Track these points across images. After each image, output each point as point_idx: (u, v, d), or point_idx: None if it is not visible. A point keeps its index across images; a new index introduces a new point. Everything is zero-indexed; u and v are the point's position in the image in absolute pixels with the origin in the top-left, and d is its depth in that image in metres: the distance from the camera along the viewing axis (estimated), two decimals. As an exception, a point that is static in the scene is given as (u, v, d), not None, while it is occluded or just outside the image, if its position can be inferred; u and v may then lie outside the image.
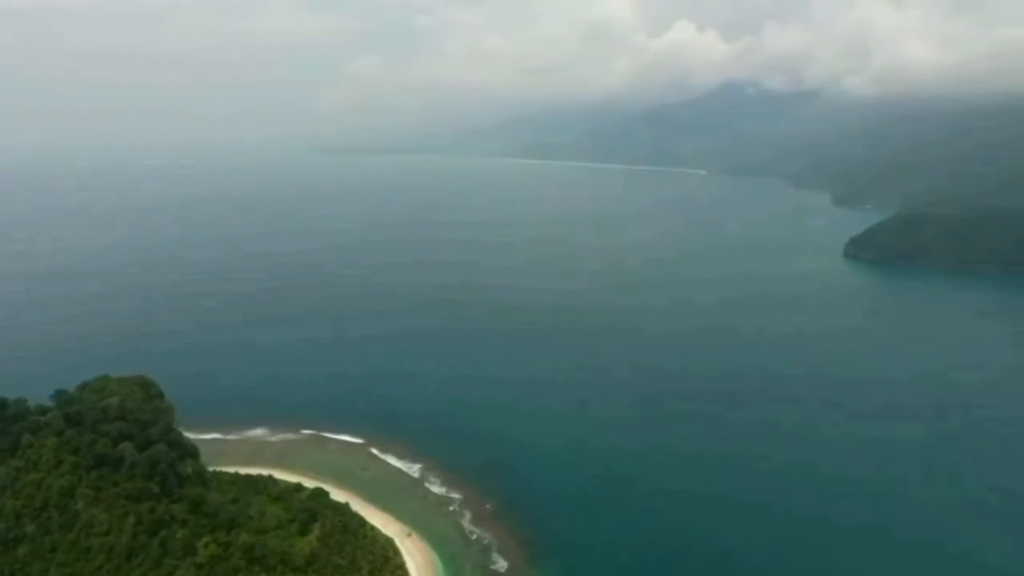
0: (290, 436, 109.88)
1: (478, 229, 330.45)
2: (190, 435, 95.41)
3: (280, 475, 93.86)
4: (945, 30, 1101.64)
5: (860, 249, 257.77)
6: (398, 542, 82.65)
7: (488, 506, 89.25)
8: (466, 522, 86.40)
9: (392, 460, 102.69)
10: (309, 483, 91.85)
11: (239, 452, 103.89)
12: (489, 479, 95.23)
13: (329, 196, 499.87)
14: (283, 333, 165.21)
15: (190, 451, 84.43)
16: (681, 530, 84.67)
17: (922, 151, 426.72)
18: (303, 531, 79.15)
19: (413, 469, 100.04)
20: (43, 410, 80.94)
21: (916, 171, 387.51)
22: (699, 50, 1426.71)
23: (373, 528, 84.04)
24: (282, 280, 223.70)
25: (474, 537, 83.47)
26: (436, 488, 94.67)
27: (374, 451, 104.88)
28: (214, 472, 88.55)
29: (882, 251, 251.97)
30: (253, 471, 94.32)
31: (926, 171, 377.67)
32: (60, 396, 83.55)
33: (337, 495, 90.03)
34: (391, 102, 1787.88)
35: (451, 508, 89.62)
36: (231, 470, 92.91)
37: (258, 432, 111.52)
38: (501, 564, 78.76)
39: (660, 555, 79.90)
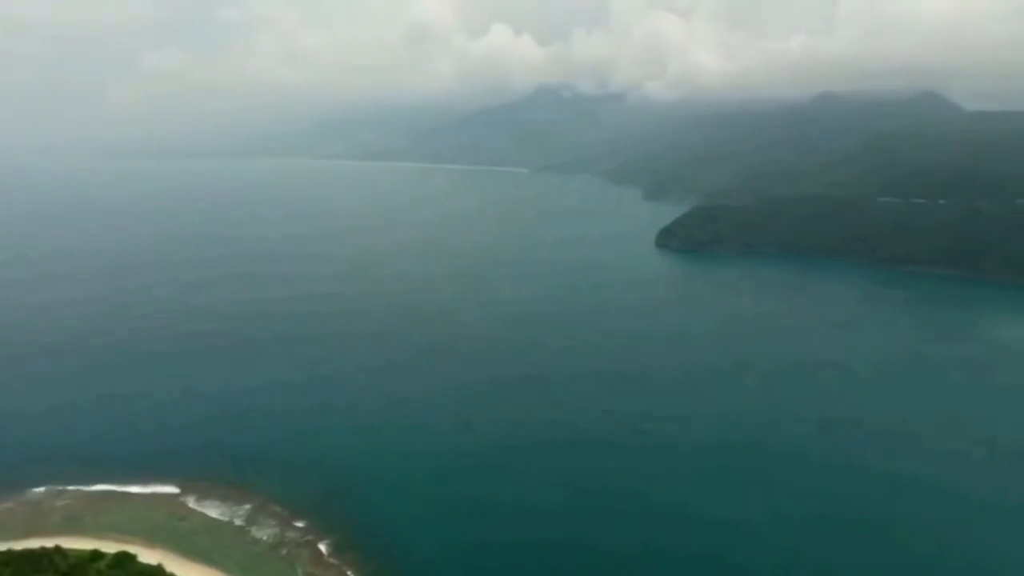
0: (81, 494, 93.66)
1: (300, 241, 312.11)
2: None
3: (71, 543, 79.36)
4: (725, 42, 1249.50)
5: (669, 239, 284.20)
6: (225, 599, 73.88)
7: (327, 543, 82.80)
8: (303, 564, 79.16)
9: (214, 505, 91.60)
10: (110, 548, 78.84)
11: (13, 522, 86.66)
12: (327, 511, 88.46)
13: (119, 206, 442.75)
14: (53, 364, 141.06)
15: (-60, 535, 68.49)
16: (546, 548, 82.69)
17: (714, 149, 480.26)
18: (103, 609, 67.56)
19: (240, 512, 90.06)
20: None
21: (710, 167, 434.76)
22: (517, 54, 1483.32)
23: (194, 589, 74.28)
24: (49, 304, 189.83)
25: (313, 579, 77.01)
26: (268, 530, 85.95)
27: (191, 498, 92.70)
28: (-22, 555, 72.69)
29: (687, 240, 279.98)
30: (34, 543, 78.80)
31: (718, 167, 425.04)
32: None
33: (148, 556, 78.26)
34: (200, 101, 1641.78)
35: (285, 551, 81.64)
36: (3, 547, 76.89)
37: (38, 493, 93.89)
38: (345, 604, 73.49)
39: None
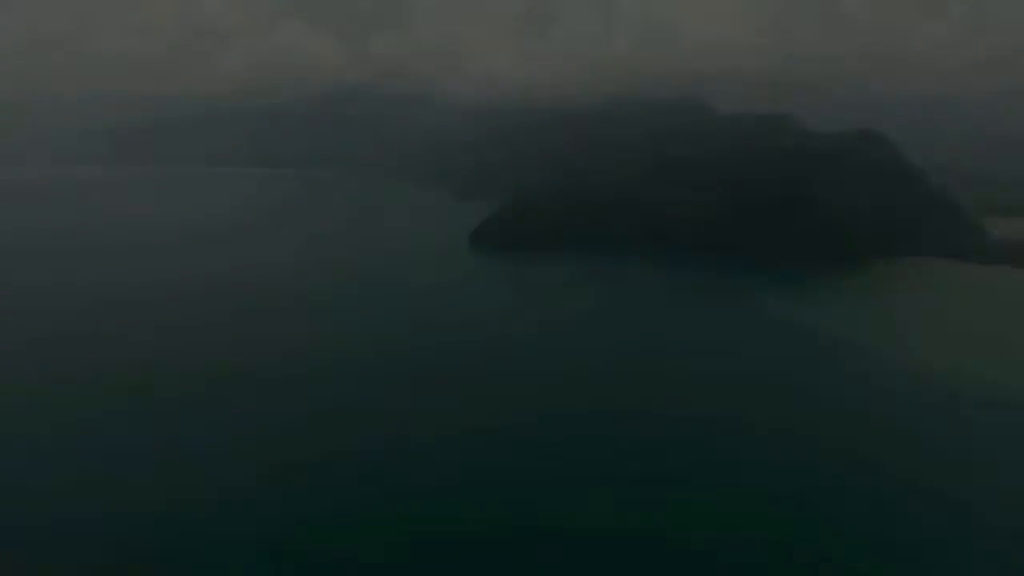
0: None
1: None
2: None
3: None
4: (520, 48, 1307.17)
5: (481, 238, 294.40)
6: None
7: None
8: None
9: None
10: None
11: None
12: None
13: None
14: None
15: None
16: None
17: (517, 150, 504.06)
18: None
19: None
20: None
21: (514, 167, 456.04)
22: (315, 50, 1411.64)
23: None
24: None
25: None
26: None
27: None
28: None
29: (498, 238, 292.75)
30: None
31: (522, 167, 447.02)
32: None
33: None
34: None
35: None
36: None
37: None
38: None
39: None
